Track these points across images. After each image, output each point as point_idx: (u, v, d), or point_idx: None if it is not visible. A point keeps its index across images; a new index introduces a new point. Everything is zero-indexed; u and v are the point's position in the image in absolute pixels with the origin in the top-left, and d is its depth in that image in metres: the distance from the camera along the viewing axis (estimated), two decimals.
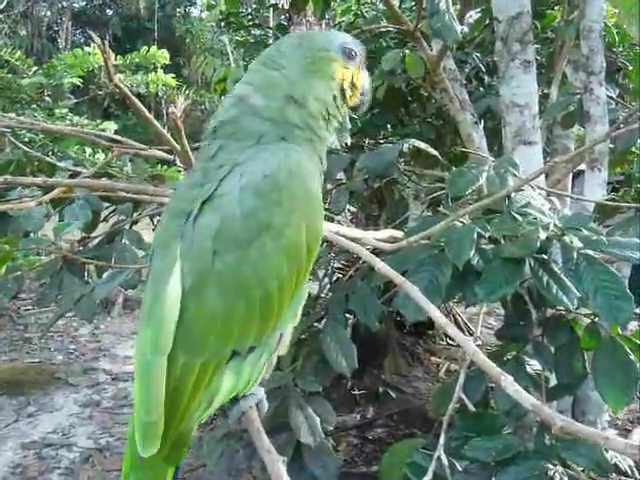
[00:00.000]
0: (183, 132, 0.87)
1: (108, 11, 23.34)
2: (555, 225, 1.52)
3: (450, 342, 5.18)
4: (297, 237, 0.85)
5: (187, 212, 0.87)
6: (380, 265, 1.11)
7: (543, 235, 1.42)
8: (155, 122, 1.01)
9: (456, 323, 5.13)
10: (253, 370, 0.89)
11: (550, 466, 1.51)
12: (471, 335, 5.15)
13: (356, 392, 3.65)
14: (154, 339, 0.84)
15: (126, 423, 4.25)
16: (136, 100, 0.93)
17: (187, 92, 7.28)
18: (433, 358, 4.90)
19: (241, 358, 0.87)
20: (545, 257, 1.52)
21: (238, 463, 3.22)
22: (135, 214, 2.52)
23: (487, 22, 3.62)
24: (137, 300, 6.94)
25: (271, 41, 3.85)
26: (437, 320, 0.94)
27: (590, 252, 1.49)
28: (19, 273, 2.06)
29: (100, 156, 5.68)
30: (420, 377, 4.55)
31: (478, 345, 2.10)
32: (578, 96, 2.82)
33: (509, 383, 0.78)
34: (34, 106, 5.80)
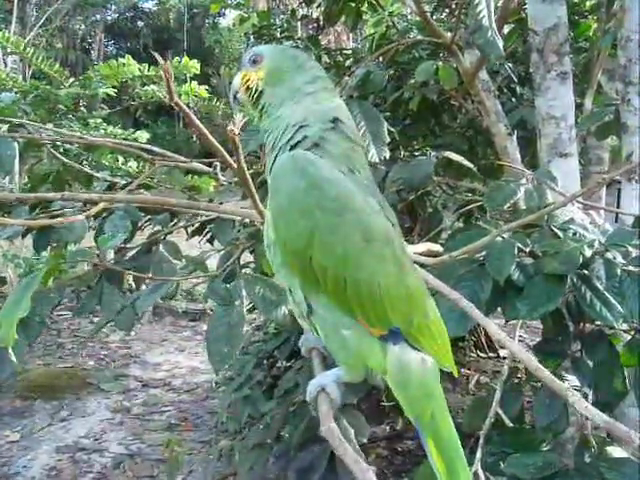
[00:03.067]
0: (241, 149, 0.90)
1: (139, 23, 23.83)
2: (598, 241, 1.50)
3: (480, 354, 5.12)
4: None
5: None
6: (430, 278, 1.12)
7: (588, 252, 1.40)
8: (211, 138, 1.03)
9: (486, 335, 5.07)
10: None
11: None
12: (502, 348, 5.08)
13: (385, 403, 3.63)
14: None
15: (156, 430, 4.30)
16: (194, 117, 0.96)
17: (217, 102, 7.39)
18: (463, 370, 4.85)
19: None
20: (587, 273, 1.51)
21: (268, 473, 3.23)
22: (170, 224, 2.56)
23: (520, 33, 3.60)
24: (167, 308, 7.03)
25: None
26: (496, 335, 0.94)
27: (633, 268, 1.47)
28: (60, 283, 2.11)
29: (132, 164, 5.80)
30: (450, 389, 4.50)
31: (513, 359, 2.08)
32: (614, 106, 2.78)
33: (577, 400, 0.77)
34: (70, 116, 5.94)
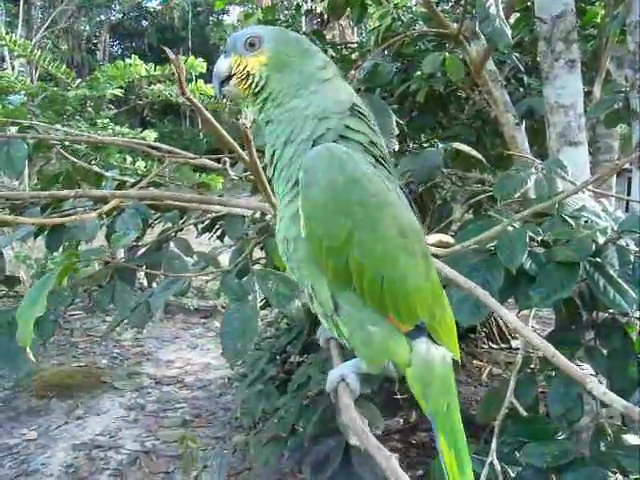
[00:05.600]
0: (253, 143, 0.90)
1: (144, 22, 23.90)
2: (611, 228, 1.50)
3: (492, 345, 5.12)
4: None
5: None
6: (447, 270, 1.13)
7: (601, 239, 1.40)
8: (224, 133, 1.02)
9: (498, 327, 5.06)
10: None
11: (609, 473, 1.48)
12: (514, 339, 5.07)
13: (399, 396, 3.63)
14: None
15: (170, 427, 4.34)
16: (206, 112, 0.96)
17: (224, 100, 7.39)
18: (475, 362, 4.84)
19: None
20: (600, 260, 1.50)
21: (283, 467, 3.25)
22: (180, 222, 2.58)
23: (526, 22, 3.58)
24: (178, 305, 7.07)
25: None
26: (512, 324, 0.95)
27: None
28: (74, 281, 2.13)
29: (140, 164, 5.83)
30: (462, 381, 4.50)
31: (527, 349, 2.07)
32: (623, 94, 2.76)
33: (596, 386, 0.77)
34: (78, 117, 5.98)
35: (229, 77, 1.06)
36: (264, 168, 1.10)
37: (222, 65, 1.06)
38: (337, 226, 0.93)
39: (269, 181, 1.08)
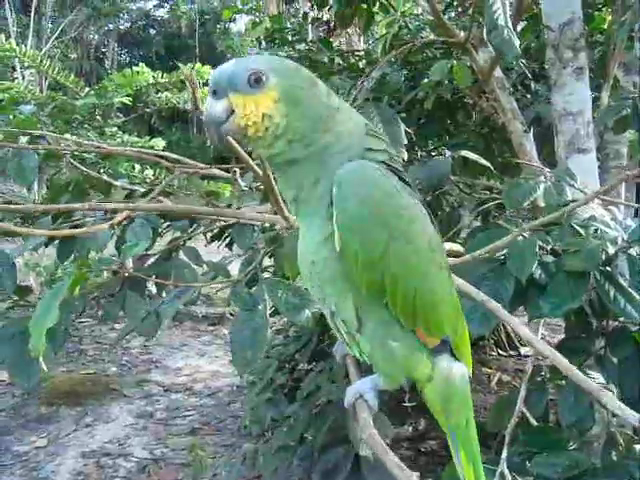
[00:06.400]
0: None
1: (151, 31, 24.13)
2: (621, 238, 1.49)
3: (501, 353, 5.09)
4: None
5: None
6: (460, 282, 1.13)
7: (612, 250, 1.40)
8: (238, 147, 1.02)
9: (506, 334, 5.04)
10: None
11: None
12: (523, 346, 5.05)
13: (407, 404, 3.63)
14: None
15: (179, 434, 4.34)
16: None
17: None
18: (484, 369, 4.82)
19: None
20: (610, 270, 1.50)
21: (292, 475, 3.24)
22: (190, 230, 2.59)
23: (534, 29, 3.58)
24: (186, 313, 7.08)
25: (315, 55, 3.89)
26: (525, 336, 0.95)
27: None
28: (84, 290, 2.14)
29: (149, 172, 5.85)
30: (471, 388, 4.48)
31: (536, 358, 2.06)
32: (631, 100, 2.75)
33: (610, 399, 0.77)
34: (86, 126, 6.02)
35: (226, 119, 0.95)
36: (275, 179, 1.11)
37: (217, 108, 0.95)
38: (374, 239, 0.93)
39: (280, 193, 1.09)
